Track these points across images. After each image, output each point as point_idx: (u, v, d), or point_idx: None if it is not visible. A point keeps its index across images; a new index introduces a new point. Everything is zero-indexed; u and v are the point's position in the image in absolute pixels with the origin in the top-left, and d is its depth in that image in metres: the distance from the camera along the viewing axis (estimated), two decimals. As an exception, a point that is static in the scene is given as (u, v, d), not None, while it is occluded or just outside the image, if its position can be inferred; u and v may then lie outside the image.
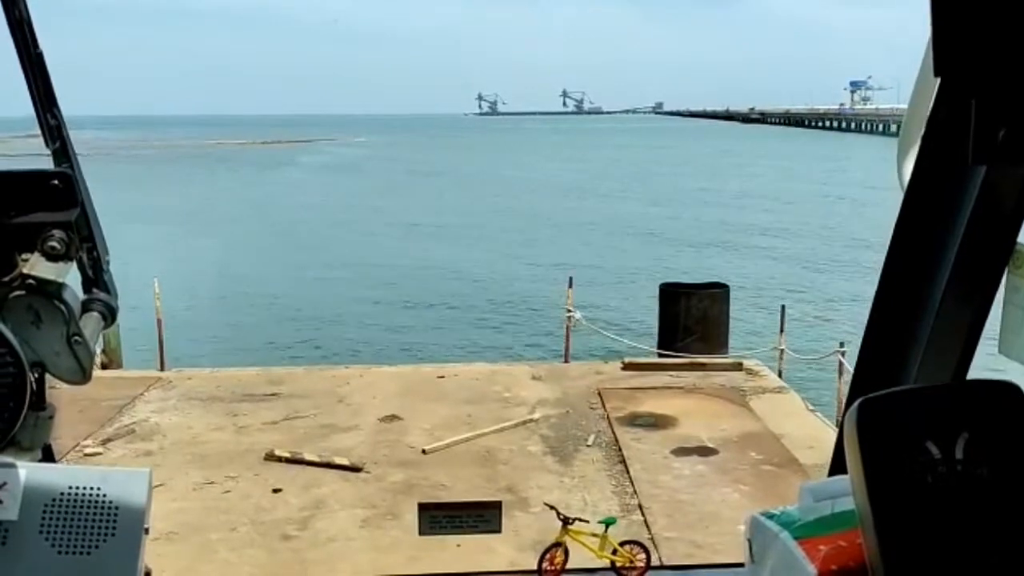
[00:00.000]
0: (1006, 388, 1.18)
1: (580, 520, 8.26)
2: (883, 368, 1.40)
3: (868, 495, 1.12)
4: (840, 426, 1.23)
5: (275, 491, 9.98)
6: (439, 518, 1.90)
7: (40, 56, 1.15)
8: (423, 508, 1.92)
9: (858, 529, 1.17)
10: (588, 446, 11.29)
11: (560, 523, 8.05)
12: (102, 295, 1.26)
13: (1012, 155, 1.11)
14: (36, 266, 1.14)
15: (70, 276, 1.22)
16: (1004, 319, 1.54)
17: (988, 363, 1.64)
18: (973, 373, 1.48)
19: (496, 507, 1.97)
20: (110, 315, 1.27)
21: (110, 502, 1.14)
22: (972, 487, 1.13)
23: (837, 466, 1.35)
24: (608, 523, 8.22)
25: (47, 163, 1.22)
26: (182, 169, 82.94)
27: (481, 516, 1.86)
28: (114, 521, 1.13)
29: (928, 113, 1.36)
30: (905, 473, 1.11)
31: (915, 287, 1.35)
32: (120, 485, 1.16)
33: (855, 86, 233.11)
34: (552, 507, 8.24)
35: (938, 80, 1.23)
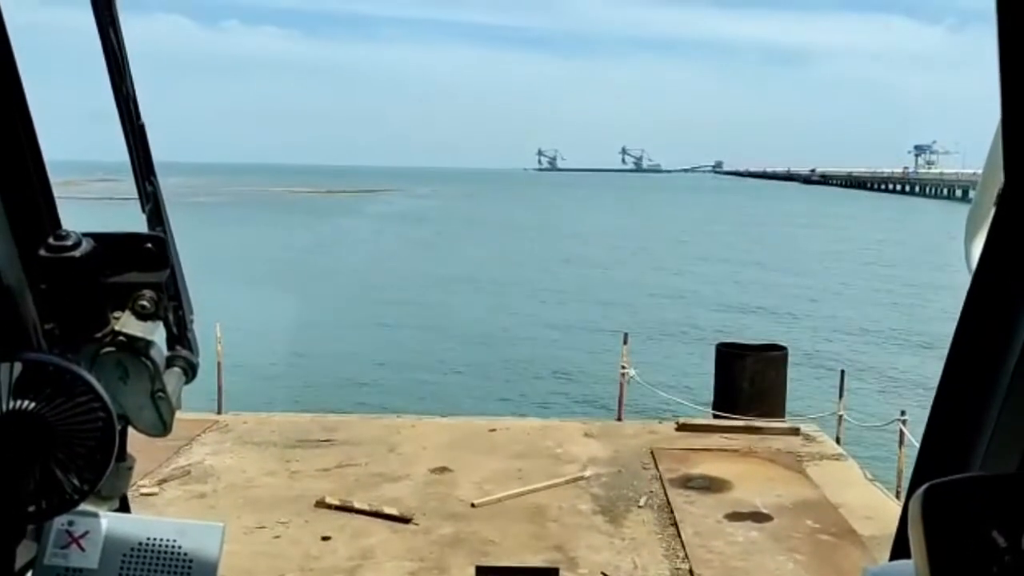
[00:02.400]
0: None
1: None
2: (948, 452, 1.38)
3: None
4: (904, 509, 1.22)
5: (324, 539, 10.01)
6: (495, 582, 1.91)
7: (142, 128, 1.22)
8: (481, 571, 1.93)
9: (921, 616, 1.15)
10: (639, 507, 11.13)
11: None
12: (185, 352, 1.32)
13: None
14: (127, 324, 1.20)
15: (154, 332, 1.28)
16: None
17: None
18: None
19: (554, 575, 1.97)
20: (191, 372, 1.32)
21: (185, 554, 1.18)
22: None
23: (900, 549, 1.33)
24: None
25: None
26: (245, 214, 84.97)
27: (538, 582, 1.87)
28: (188, 573, 1.17)
29: (1000, 188, 1.33)
30: (971, 562, 1.10)
31: (983, 372, 1.34)
32: (195, 538, 1.20)
33: (919, 150, 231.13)
34: None
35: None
